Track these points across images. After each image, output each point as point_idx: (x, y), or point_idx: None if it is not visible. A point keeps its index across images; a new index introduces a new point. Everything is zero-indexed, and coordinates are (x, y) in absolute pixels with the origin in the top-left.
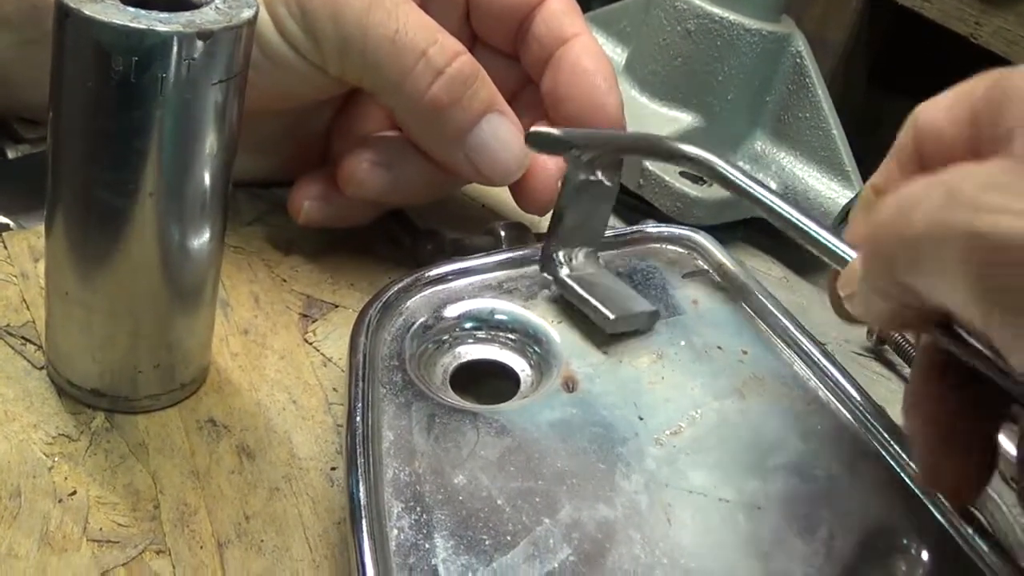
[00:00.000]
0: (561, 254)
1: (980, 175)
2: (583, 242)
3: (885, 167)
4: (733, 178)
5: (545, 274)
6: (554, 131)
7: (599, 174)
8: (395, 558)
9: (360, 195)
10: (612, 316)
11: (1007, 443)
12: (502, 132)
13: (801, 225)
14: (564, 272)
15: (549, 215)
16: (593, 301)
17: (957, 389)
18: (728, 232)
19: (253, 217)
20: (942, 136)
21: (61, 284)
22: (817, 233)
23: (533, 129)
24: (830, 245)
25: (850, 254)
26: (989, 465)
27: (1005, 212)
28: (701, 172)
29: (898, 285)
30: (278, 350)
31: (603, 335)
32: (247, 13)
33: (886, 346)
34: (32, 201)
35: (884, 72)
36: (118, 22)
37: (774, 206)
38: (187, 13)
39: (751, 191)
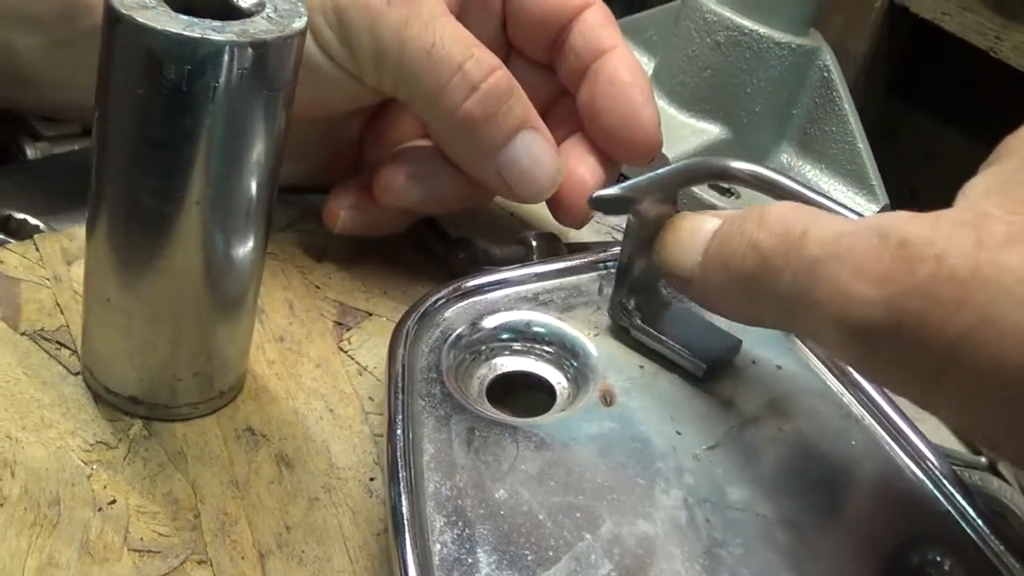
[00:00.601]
0: (632, 302)
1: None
2: (650, 284)
3: None
4: (785, 185)
5: (615, 322)
6: (616, 192)
7: (660, 207)
8: (438, 572)
9: (395, 205)
10: (704, 365)
11: None
12: (535, 149)
13: None
14: (638, 321)
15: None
16: (679, 348)
17: None
18: None
19: (286, 223)
20: None
21: (102, 289)
22: None
23: (596, 194)
24: None
25: None
26: None
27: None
28: (754, 187)
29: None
30: (314, 358)
31: (641, 348)
32: (299, 23)
33: None
34: (58, 203)
35: (903, 84)
36: (172, 30)
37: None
38: (239, 22)
39: (805, 196)
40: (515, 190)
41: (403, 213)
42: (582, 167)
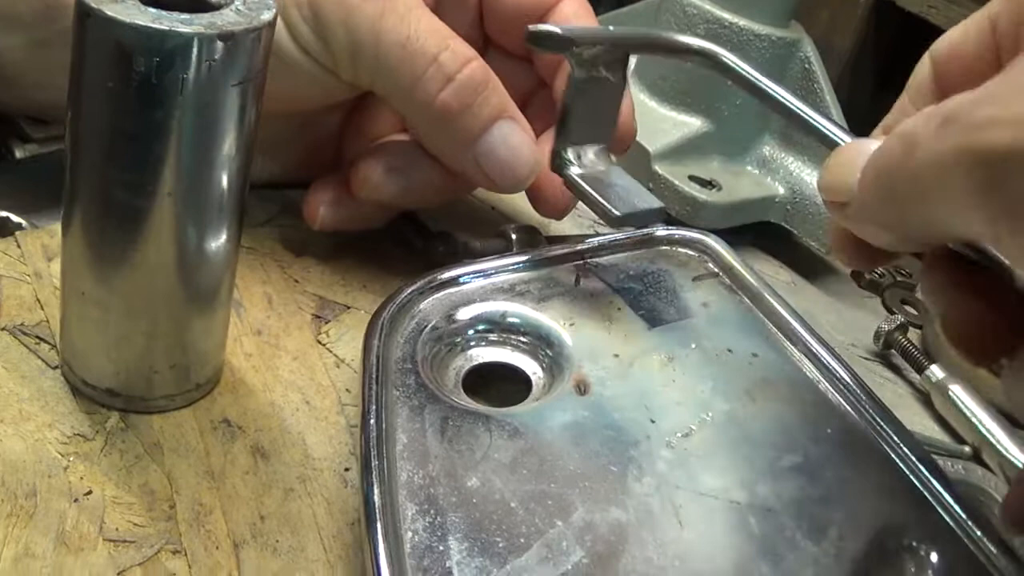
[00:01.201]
0: (570, 152)
1: (973, 93)
2: (593, 139)
3: (898, 105)
4: (737, 69)
5: (554, 171)
6: (553, 28)
7: (603, 71)
8: (410, 560)
9: (374, 199)
10: (618, 213)
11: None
12: (513, 139)
13: (804, 115)
14: (573, 171)
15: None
16: (598, 198)
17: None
18: (737, 236)
19: (265, 218)
20: (960, 54)
21: (77, 284)
22: (818, 122)
23: (531, 27)
24: (830, 134)
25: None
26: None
27: (995, 125)
28: (705, 65)
29: (905, 218)
30: (291, 351)
31: (615, 338)
32: (267, 15)
33: (892, 351)
34: (43, 201)
35: (891, 78)
36: (140, 23)
37: (779, 97)
38: (208, 15)
39: (755, 82)
40: (494, 180)
41: (382, 207)
42: None
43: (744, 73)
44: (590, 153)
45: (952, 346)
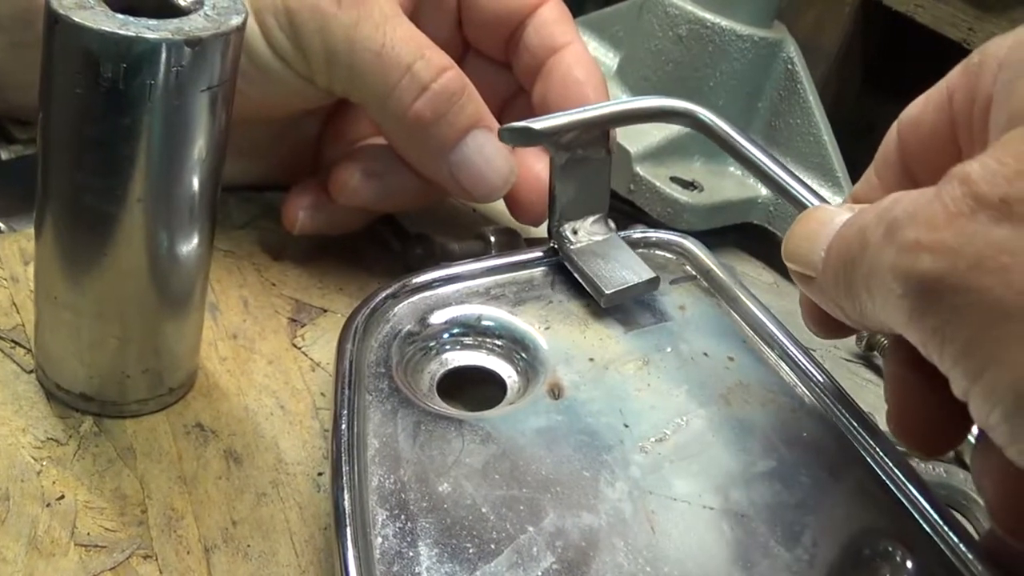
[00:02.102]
0: (566, 228)
1: (911, 202)
2: (587, 212)
3: (865, 178)
4: (714, 126)
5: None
6: (525, 124)
7: (583, 151)
8: (379, 566)
9: (352, 203)
10: (606, 291)
11: None
12: (488, 149)
13: (779, 179)
14: (571, 248)
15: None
16: (590, 275)
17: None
18: (719, 237)
19: (244, 221)
20: (919, 127)
21: (50, 288)
22: (793, 188)
23: (504, 127)
24: (803, 199)
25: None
26: (965, 420)
27: (921, 249)
28: (684, 124)
29: (861, 309)
30: (266, 355)
31: (591, 341)
32: (235, 20)
33: (875, 352)
34: (26, 204)
35: (877, 78)
36: (107, 29)
37: (754, 157)
38: (176, 20)
39: (732, 141)
40: (468, 190)
41: (361, 211)
42: (539, 164)
43: (720, 130)
44: (587, 224)
45: (900, 438)
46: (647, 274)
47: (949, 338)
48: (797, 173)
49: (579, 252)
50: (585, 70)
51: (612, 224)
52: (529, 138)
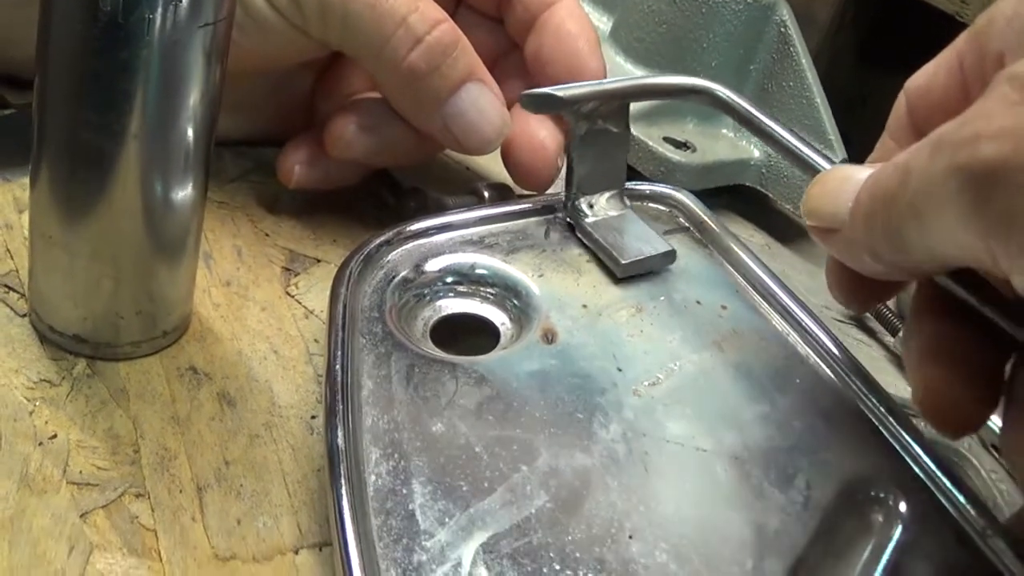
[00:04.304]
0: (582, 202)
1: (959, 117)
2: (603, 187)
3: (881, 144)
4: (733, 104)
5: (569, 220)
6: (548, 91)
7: (602, 123)
8: (372, 503)
9: (347, 157)
10: (623, 261)
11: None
12: (481, 101)
13: (799, 152)
14: (587, 220)
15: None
16: (607, 246)
17: (958, 319)
18: (711, 199)
19: (238, 174)
20: (930, 94)
21: (44, 228)
22: (813, 160)
23: (526, 92)
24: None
25: None
26: (992, 394)
27: (980, 140)
28: (702, 102)
29: (900, 245)
30: (260, 302)
31: (584, 289)
32: None
33: (867, 313)
34: (15, 157)
35: (871, 50)
36: None
37: (775, 133)
38: None
39: (751, 117)
40: (461, 142)
41: (356, 166)
42: (542, 130)
43: (740, 108)
44: (603, 200)
45: (929, 418)
46: (663, 247)
47: (1019, 221)
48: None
49: (595, 225)
50: (578, 24)
51: (627, 201)
52: (550, 105)
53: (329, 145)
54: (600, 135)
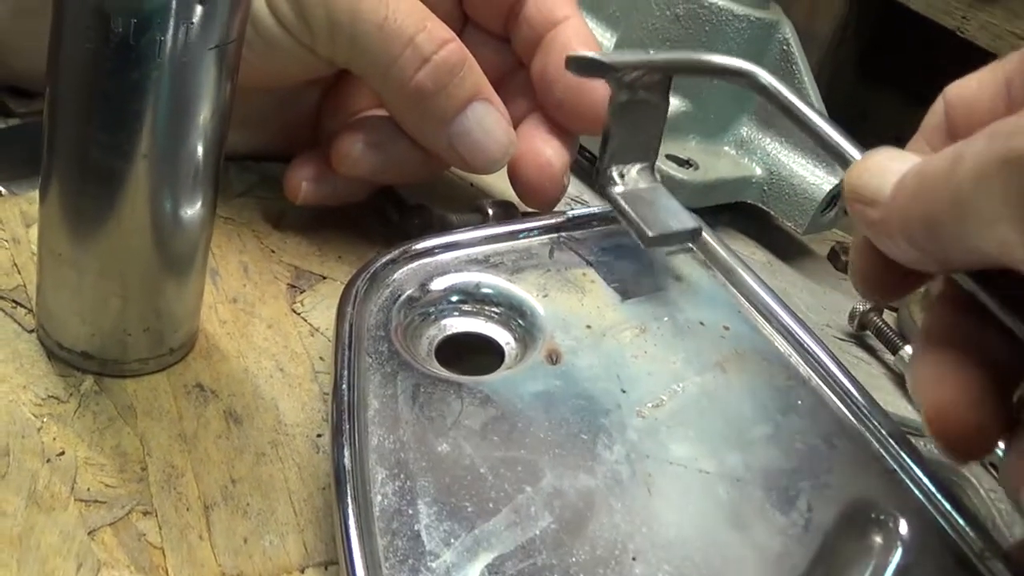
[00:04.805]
0: (613, 171)
1: (1016, 114)
2: (635, 158)
3: (913, 143)
4: (773, 90)
5: (597, 190)
6: (593, 55)
7: (643, 93)
8: (378, 523)
9: (353, 174)
10: (650, 233)
11: None
12: (487, 121)
13: (836, 145)
14: (616, 190)
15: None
16: (635, 217)
17: (975, 335)
18: (713, 216)
19: (244, 189)
20: (974, 107)
21: (54, 245)
22: (848, 152)
23: (572, 54)
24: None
25: None
26: (1005, 417)
27: None
28: (742, 84)
29: (938, 231)
30: (266, 319)
31: (588, 309)
32: None
33: (867, 331)
34: (22, 169)
35: (871, 65)
36: None
37: (812, 122)
38: None
39: (790, 104)
40: (467, 161)
41: (362, 182)
42: (548, 149)
43: (780, 95)
44: (633, 171)
45: (937, 441)
46: (691, 223)
47: None
48: (791, 153)
49: (624, 195)
50: (584, 43)
51: (658, 176)
52: (594, 69)
53: (336, 162)
54: (639, 106)
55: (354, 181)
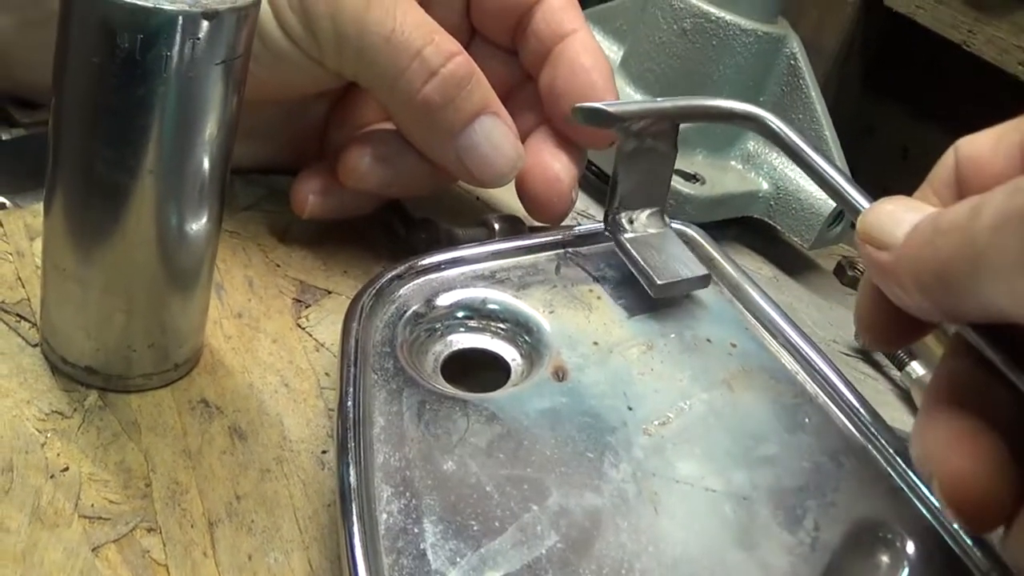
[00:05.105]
0: (622, 216)
1: None
2: (645, 203)
3: (920, 193)
4: (781, 133)
5: (608, 234)
6: (599, 106)
7: (650, 141)
8: (384, 541)
9: (360, 188)
10: (659, 281)
11: None
12: (495, 134)
13: (843, 192)
14: (625, 236)
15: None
16: (644, 265)
17: (985, 408)
18: (720, 231)
19: (249, 203)
20: (986, 168)
21: (58, 260)
22: (854, 198)
23: (578, 104)
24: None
25: None
26: (1020, 487)
27: None
28: (751, 128)
29: (950, 281)
30: (271, 334)
31: (595, 326)
32: None
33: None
34: (27, 182)
35: (877, 78)
36: (126, 0)
37: (819, 167)
38: None
39: (799, 151)
40: (475, 174)
41: (369, 196)
42: (556, 163)
43: (789, 139)
44: (643, 217)
45: (955, 514)
46: (700, 270)
47: None
48: (797, 168)
49: (633, 241)
50: (592, 57)
51: (668, 220)
52: (601, 119)
53: (343, 175)
54: (646, 153)
55: (361, 195)
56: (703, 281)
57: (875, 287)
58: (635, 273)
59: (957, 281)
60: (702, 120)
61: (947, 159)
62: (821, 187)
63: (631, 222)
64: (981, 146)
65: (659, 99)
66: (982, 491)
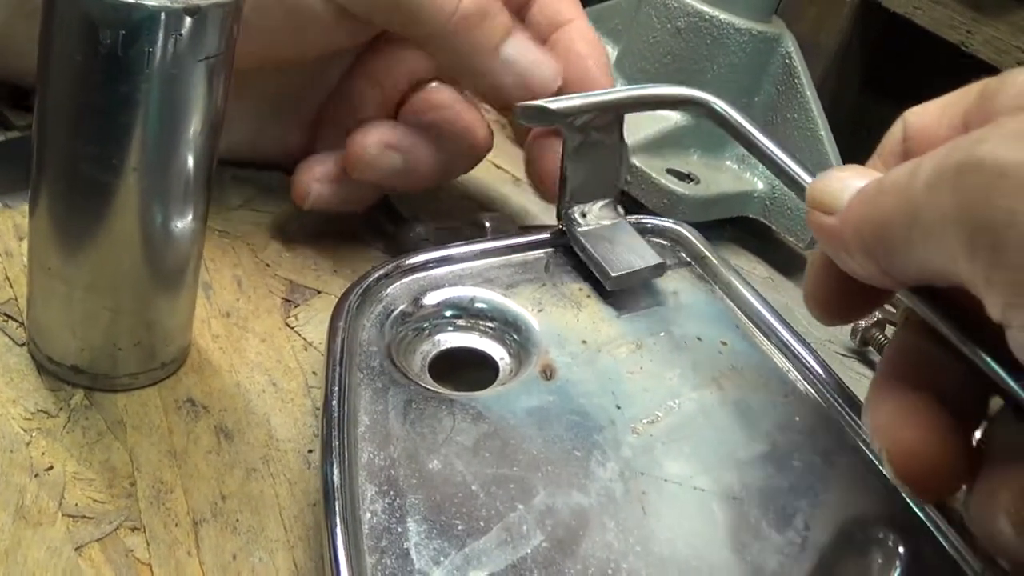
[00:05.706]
0: (575, 211)
1: (982, 128)
2: (597, 196)
3: (870, 164)
4: (727, 116)
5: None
6: (540, 103)
7: (596, 134)
8: (367, 541)
9: (367, 178)
10: (612, 274)
11: None
12: (530, 46)
13: (790, 171)
14: (579, 229)
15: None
16: (597, 257)
17: (936, 368)
18: (714, 231)
19: (239, 202)
20: (932, 136)
21: (44, 258)
22: (804, 181)
23: (519, 104)
24: None
25: None
26: (972, 453)
27: (992, 141)
28: (698, 113)
29: (894, 247)
30: (259, 333)
31: (584, 324)
32: None
33: (869, 347)
34: (21, 183)
35: (875, 78)
36: None
37: (767, 149)
38: None
39: (743, 131)
40: (526, 81)
41: (372, 188)
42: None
43: (734, 120)
44: (596, 209)
45: (904, 484)
46: (654, 259)
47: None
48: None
49: (587, 235)
50: (589, 44)
51: (621, 210)
52: (544, 117)
53: (350, 164)
54: (594, 146)
55: (363, 186)
56: (658, 270)
57: (824, 262)
58: (590, 266)
59: (897, 239)
60: (647, 109)
61: (895, 129)
62: (766, 165)
63: (584, 215)
64: (928, 116)
65: (600, 91)
66: (929, 462)
